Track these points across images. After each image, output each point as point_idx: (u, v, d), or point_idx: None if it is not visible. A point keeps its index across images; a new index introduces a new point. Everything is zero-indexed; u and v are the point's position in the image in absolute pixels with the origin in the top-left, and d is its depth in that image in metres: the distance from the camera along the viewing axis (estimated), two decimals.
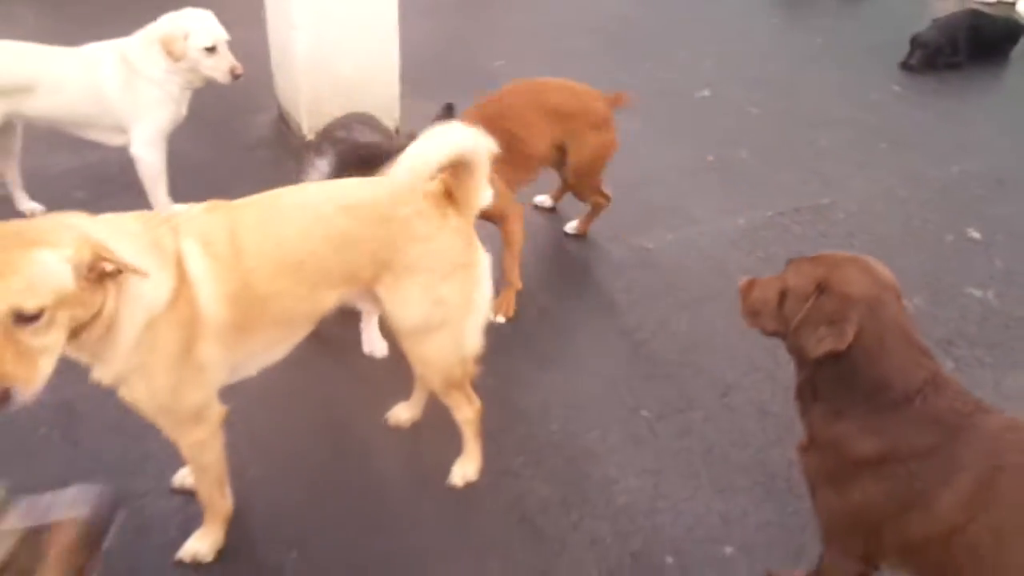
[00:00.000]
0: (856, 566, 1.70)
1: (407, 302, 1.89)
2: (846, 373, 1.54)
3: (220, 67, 3.02)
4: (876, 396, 1.52)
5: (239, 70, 3.05)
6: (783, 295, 1.62)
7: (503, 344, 2.72)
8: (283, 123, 4.13)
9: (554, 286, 3.17)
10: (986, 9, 6.41)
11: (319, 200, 1.83)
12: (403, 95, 4.09)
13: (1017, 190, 4.01)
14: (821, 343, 1.51)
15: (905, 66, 5.44)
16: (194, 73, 3.03)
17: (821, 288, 1.55)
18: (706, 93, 4.84)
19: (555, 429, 2.52)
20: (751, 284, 1.75)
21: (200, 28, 2.96)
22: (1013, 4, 6.76)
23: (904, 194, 3.93)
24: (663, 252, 3.37)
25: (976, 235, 3.61)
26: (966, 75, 5.49)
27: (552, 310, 3.00)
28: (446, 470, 2.30)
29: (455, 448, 2.30)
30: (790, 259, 1.67)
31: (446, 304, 1.89)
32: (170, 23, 2.98)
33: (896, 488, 1.51)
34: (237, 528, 2.11)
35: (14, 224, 1.47)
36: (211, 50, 2.98)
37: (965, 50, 5.54)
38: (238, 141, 4.01)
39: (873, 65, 5.50)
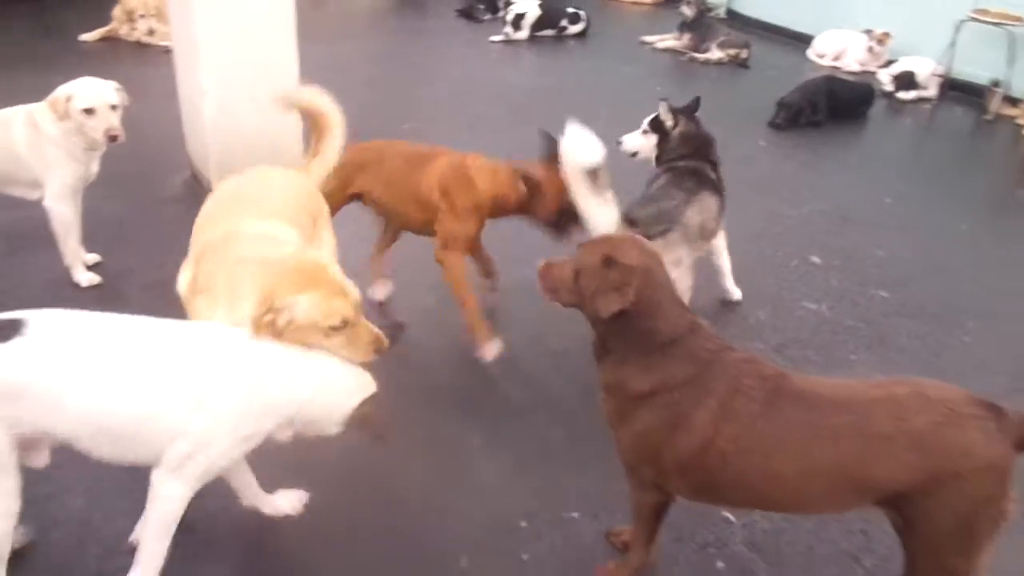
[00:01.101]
0: (654, 495, 2.05)
1: (325, 240, 2.60)
2: (628, 327, 1.92)
3: (98, 128, 3.25)
4: (648, 342, 1.89)
5: (115, 131, 3.26)
6: (577, 272, 2.00)
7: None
8: (195, 181, 4.47)
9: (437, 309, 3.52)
10: (845, 76, 7.23)
11: (289, 176, 2.68)
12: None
13: (857, 225, 4.56)
14: (611, 304, 1.89)
15: (772, 125, 6.10)
16: (83, 134, 3.28)
17: (607, 262, 1.94)
18: None
19: (426, 424, 2.84)
20: (548, 266, 2.09)
21: (82, 92, 3.24)
22: (874, 73, 7.56)
23: (759, 229, 4.44)
24: None
25: (817, 260, 4.12)
26: (826, 132, 6.17)
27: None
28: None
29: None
30: (579, 244, 2.05)
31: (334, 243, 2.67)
32: (62, 88, 3.27)
33: (666, 414, 1.87)
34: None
35: (298, 260, 2.07)
36: (90, 112, 3.23)
37: (824, 111, 6.24)
38: (152, 197, 4.33)
39: (744, 125, 6.13)
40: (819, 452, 1.81)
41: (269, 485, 2.38)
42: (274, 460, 2.22)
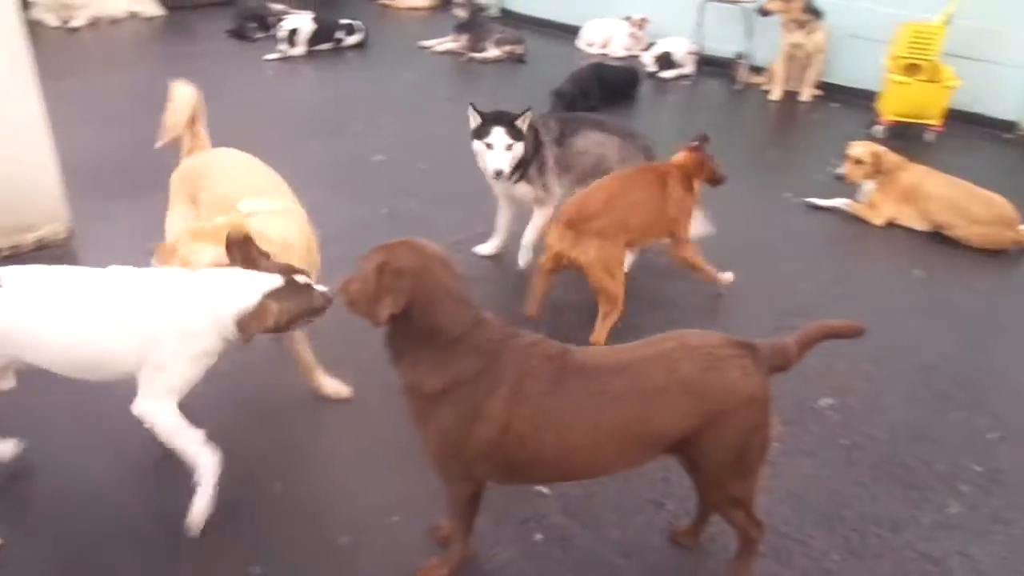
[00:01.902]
0: (466, 486, 2.11)
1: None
2: (413, 329, 1.96)
3: None
4: (435, 341, 1.94)
5: None
6: (359, 281, 2.01)
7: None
8: None
9: None
10: (613, 62, 7.71)
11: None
12: (74, 197, 4.18)
13: None
14: (384, 309, 1.92)
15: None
16: None
17: (381, 269, 1.96)
18: (381, 157, 5.38)
19: (234, 443, 2.75)
20: (349, 280, 2.11)
21: None
22: (638, 57, 8.11)
23: None
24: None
25: None
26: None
27: None
28: None
29: None
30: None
31: None
32: None
33: (462, 409, 1.94)
34: None
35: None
36: None
37: (596, 96, 6.61)
38: None
39: None
40: (606, 417, 1.94)
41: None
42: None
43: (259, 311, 2.22)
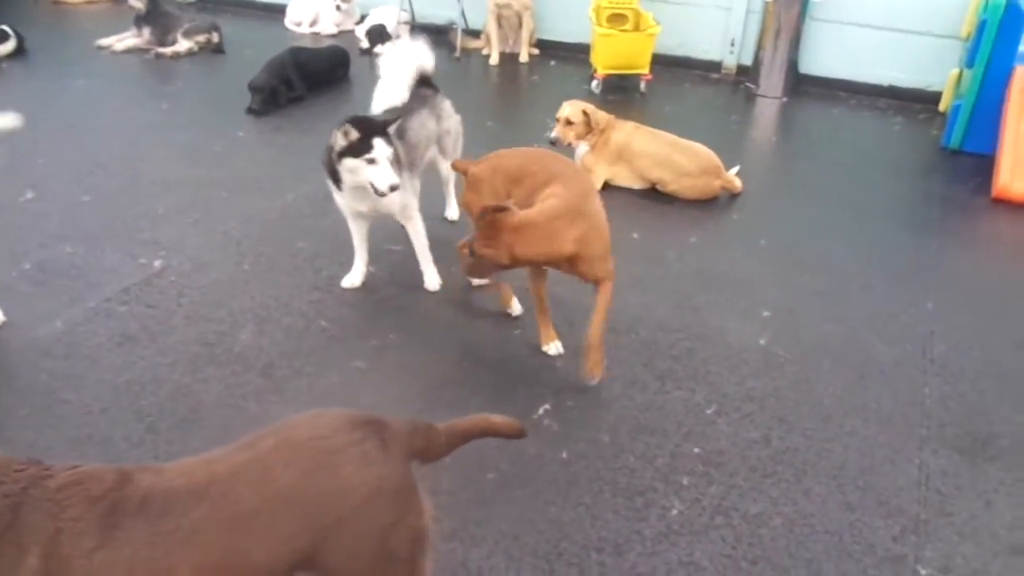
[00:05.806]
0: None
1: None
2: None
3: None
4: None
5: None
6: None
7: None
8: None
9: None
10: (325, 40, 7.09)
11: None
12: None
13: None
14: None
15: (250, 111, 5.68)
16: None
17: None
18: (30, 195, 4.44)
19: None
20: None
21: None
22: (353, 32, 7.52)
23: (239, 234, 4.04)
24: None
25: (303, 245, 3.89)
26: (310, 106, 5.94)
27: None
28: None
29: None
30: None
31: None
32: None
33: None
34: None
35: None
36: None
37: (301, 84, 5.99)
38: None
39: (221, 118, 5.63)
40: (180, 563, 1.45)
41: None
42: None
43: None
